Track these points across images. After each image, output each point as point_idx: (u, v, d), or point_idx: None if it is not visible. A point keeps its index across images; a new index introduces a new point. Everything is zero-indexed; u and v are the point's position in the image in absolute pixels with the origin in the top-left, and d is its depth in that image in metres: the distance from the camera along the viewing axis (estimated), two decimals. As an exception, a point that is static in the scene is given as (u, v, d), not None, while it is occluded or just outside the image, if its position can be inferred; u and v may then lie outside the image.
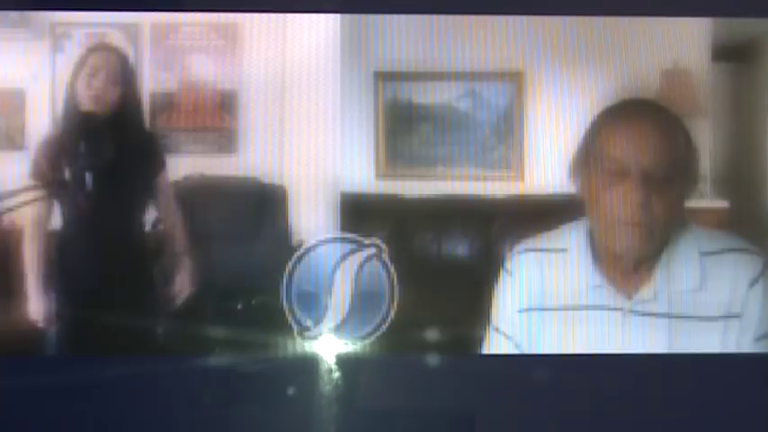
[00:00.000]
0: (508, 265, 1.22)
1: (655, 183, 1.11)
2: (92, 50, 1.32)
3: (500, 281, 1.23)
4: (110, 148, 1.31)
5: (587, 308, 1.17)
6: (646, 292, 1.15)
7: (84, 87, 1.30)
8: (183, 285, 1.32)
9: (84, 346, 1.28)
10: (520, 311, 1.20)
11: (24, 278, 1.30)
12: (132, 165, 1.33)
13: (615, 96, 1.30)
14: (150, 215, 1.34)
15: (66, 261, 1.31)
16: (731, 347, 1.14)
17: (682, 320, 1.15)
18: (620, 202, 1.13)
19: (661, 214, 1.12)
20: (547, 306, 1.19)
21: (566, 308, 1.18)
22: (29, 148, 1.34)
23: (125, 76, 1.33)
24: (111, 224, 1.32)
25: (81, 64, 1.31)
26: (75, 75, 1.31)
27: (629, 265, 1.16)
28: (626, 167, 1.12)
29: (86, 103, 1.31)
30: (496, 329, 1.22)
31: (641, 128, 1.15)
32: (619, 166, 1.13)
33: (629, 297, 1.16)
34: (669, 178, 1.13)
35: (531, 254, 1.21)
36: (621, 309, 1.16)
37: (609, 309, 1.16)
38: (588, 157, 1.17)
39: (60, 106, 1.32)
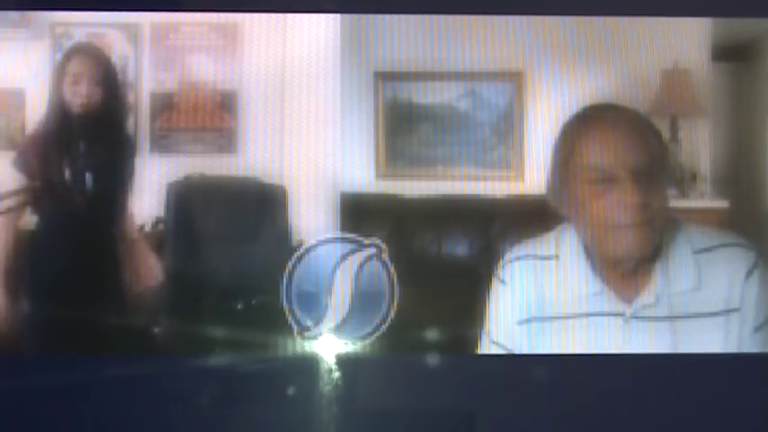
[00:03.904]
0: (502, 274, 1.21)
1: (642, 182, 1.11)
2: (69, 55, 1.31)
3: (495, 291, 1.22)
4: (92, 148, 1.31)
5: (589, 315, 1.17)
6: (647, 296, 1.15)
7: (69, 93, 1.30)
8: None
9: (74, 346, 1.28)
10: (518, 323, 1.19)
11: (14, 277, 1.30)
12: (111, 165, 1.33)
13: (615, 97, 1.31)
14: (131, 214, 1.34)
15: (48, 259, 1.32)
16: (733, 342, 1.15)
17: (685, 321, 1.15)
18: (613, 207, 1.13)
19: (653, 213, 1.13)
20: (547, 315, 1.18)
21: (566, 316, 1.18)
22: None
23: (106, 76, 1.32)
24: (92, 223, 1.32)
25: (61, 70, 1.31)
26: (58, 80, 1.30)
27: (627, 269, 1.15)
28: (612, 172, 1.12)
29: (71, 105, 1.31)
30: (494, 343, 1.21)
31: (617, 131, 1.14)
32: (605, 172, 1.12)
33: (630, 302, 1.16)
34: (653, 176, 1.13)
35: (524, 261, 1.20)
36: (623, 314, 1.16)
37: (610, 315, 1.16)
38: (570, 169, 1.16)
39: (48, 108, 1.32)
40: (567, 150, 1.16)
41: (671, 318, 1.15)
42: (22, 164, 1.30)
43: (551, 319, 1.18)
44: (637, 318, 1.15)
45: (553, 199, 1.18)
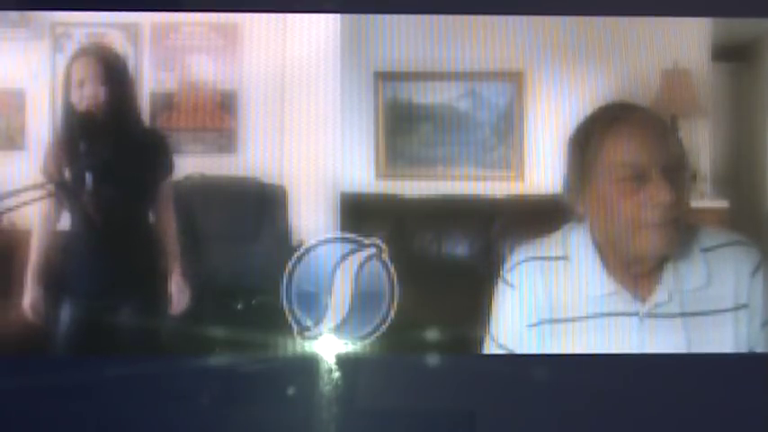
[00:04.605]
0: (509, 277, 1.20)
1: (672, 180, 1.12)
2: (75, 58, 1.31)
3: (502, 295, 1.21)
4: (113, 148, 1.31)
5: (603, 315, 1.16)
6: (660, 294, 1.15)
7: (77, 96, 1.30)
8: (181, 286, 1.32)
9: (86, 346, 1.28)
10: (528, 326, 1.18)
11: (25, 277, 1.30)
12: (136, 164, 1.33)
13: (615, 96, 1.31)
14: (152, 215, 1.34)
15: (68, 260, 1.32)
16: (743, 337, 1.16)
17: (697, 318, 1.15)
18: (645, 204, 1.13)
19: (681, 212, 1.13)
20: (558, 318, 1.18)
21: (579, 318, 1.17)
22: (29, 148, 1.34)
23: (114, 76, 1.32)
24: (114, 224, 1.32)
25: (68, 73, 1.30)
26: (66, 83, 1.30)
27: (645, 269, 1.16)
28: (646, 170, 1.12)
29: (82, 108, 1.30)
30: (502, 347, 1.20)
31: (648, 129, 1.15)
32: (638, 170, 1.12)
33: (644, 301, 1.16)
34: (680, 175, 1.14)
35: (532, 263, 1.19)
36: (637, 313, 1.16)
37: (625, 314, 1.16)
38: (596, 167, 1.15)
39: (60, 111, 1.32)
40: (594, 148, 1.15)
41: (683, 315, 1.15)
42: (48, 168, 1.30)
43: (563, 321, 1.18)
44: (651, 316, 1.15)
45: (568, 197, 1.18)
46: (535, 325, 1.18)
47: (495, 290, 1.21)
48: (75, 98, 1.30)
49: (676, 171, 1.13)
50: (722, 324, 1.15)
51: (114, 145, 1.31)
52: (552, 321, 1.18)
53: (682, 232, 1.15)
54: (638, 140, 1.13)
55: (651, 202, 1.12)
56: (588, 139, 1.16)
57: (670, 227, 1.13)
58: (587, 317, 1.17)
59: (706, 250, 1.16)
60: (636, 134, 1.14)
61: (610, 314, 1.16)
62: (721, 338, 1.16)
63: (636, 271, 1.16)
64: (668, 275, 1.16)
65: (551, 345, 1.18)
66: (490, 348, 1.21)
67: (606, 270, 1.16)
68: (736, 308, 1.15)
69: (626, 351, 1.16)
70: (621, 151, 1.13)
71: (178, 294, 1.31)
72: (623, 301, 1.16)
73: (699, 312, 1.15)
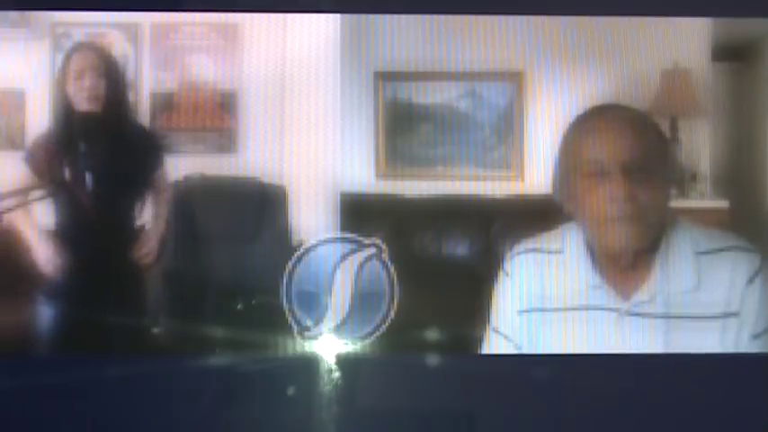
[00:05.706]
0: (506, 266, 1.22)
1: (634, 177, 1.12)
2: (73, 51, 1.31)
3: (499, 282, 1.23)
4: (104, 146, 1.31)
5: (586, 308, 1.17)
6: (643, 293, 1.15)
7: (74, 89, 1.30)
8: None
9: (82, 346, 1.28)
10: (519, 313, 1.20)
11: (21, 277, 1.30)
12: (129, 161, 1.33)
13: (615, 97, 1.31)
14: (146, 212, 1.34)
15: (63, 259, 1.32)
16: (729, 346, 1.14)
17: (680, 320, 1.15)
18: (606, 200, 1.13)
19: (647, 206, 1.13)
20: (546, 307, 1.20)
21: (565, 308, 1.19)
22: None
23: (110, 73, 1.32)
24: (107, 221, 1.32)
25: (65, 66, 1.31)
26: (62, 77, 1.30)
27: (626, 263, 1.16)
28: (605, 167, 1.13)
29: (77, 103, 1.31)
30: (496, 330, 1.22)
31: (612, 128, 1.15)
32: (599, 166, 1.13)
33: (627, 298, 1.16)
34: (648, 171, 1.13)
35: (529, 255, 1.21)
36: (618, 309, 1.16)
37: (607, 309, 1.16)
38: (569, 165, 1.17)
39: (53, 107, 1.32)
40: (568, 146, 1.17)
41: (666, 316, 1.15)
42: (32, 162, 1.30)
43: (550, 310, 1.19)
44: (632, 314, 1.15)
45: (557, 195, 1.19)
46: (526, 312, 1.20)
47: (495, 281, 1.23)
48: (71, 93, 1.30)
49: (643, 168, 1.13)
50: (706, 330, 1.13)
51: (106, 141, 1.32)
52: (541, 310, 1.20)
53: (652, 228, 1.15)
54: (600, 136, 1.14)
55: (608, 196, 1.12)
56: (566, 137, 1.18)
57: (635, 222, 1.13)
58: (571, 308, 1.18)
59: (701, 253, 1.15)
60: (599, 130, 1.15)
61: (591, 308, 1.17)
62: (703, 345, 1.14)
63: (619, 267, 1.16)
64: (654, 276, 1.15)
65: (539, 332, 1.19)
66: (488, 334, 1.22)
67: (593, 265, 1.17)
68: (725, 315, 1.13)
69: (604, 345, 1.17)
70: (587, 147, 1.15)
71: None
72: (606, 296, 1.17)
73: (682, 315, 1.15)
